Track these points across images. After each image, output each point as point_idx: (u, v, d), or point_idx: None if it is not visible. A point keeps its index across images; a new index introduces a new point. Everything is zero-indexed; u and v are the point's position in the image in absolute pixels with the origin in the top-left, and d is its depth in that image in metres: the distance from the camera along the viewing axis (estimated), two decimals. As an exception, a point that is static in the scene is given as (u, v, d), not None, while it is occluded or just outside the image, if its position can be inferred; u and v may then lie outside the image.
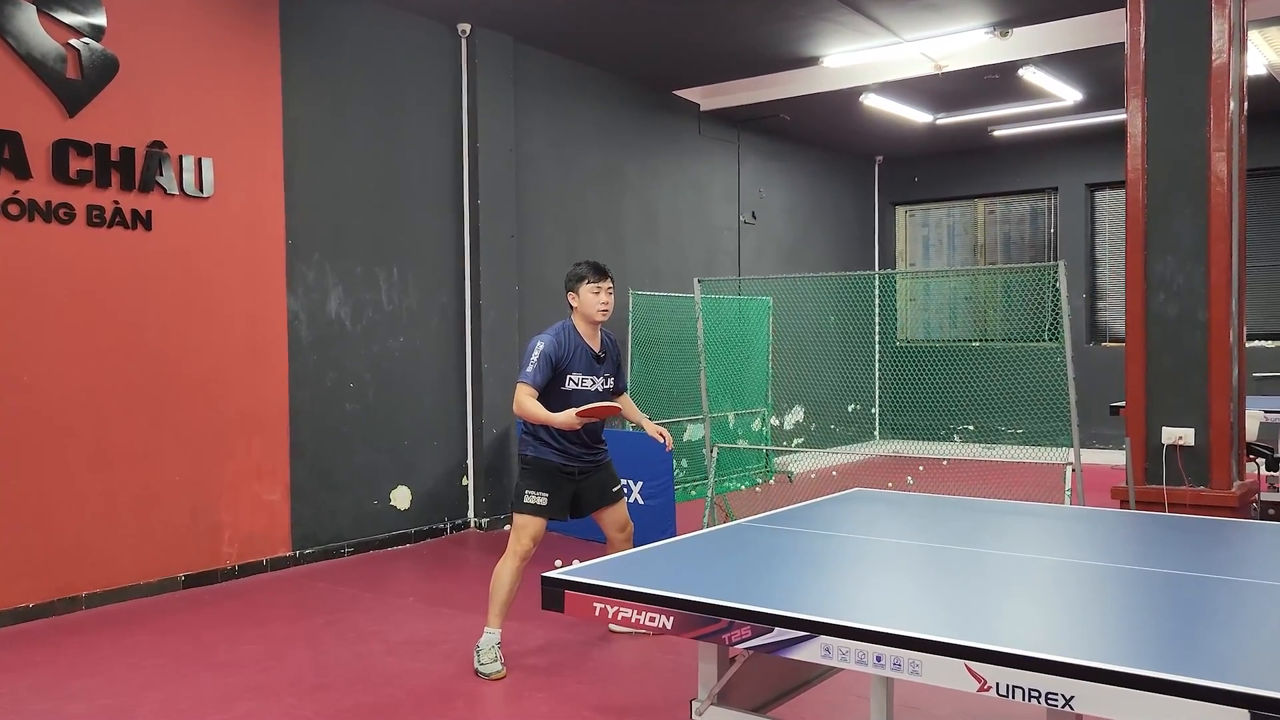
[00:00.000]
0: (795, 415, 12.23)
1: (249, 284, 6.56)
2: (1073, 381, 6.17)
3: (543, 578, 2.52)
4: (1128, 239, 5.19)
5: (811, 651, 2.09)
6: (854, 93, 9.81)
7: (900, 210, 14.12)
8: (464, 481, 7.98)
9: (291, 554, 6.78)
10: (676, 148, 10.23)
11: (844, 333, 12.72)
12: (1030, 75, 9.02)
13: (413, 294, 7.59)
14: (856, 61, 8.90)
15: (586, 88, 9.09)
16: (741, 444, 10.33)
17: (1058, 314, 12.88)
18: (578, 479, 4.77)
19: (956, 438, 13.19)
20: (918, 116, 10.62)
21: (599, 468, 4.86)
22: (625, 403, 5.07)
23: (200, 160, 6.25)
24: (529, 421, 4.58)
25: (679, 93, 10.21)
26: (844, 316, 12.42)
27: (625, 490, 5.04)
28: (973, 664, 1.91)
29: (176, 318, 6.18)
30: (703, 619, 2.24)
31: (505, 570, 4.62)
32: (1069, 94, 9.72)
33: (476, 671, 4.53)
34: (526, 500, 4.65)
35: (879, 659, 2.02)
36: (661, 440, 4.84)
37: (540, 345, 4.60)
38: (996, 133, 11.64)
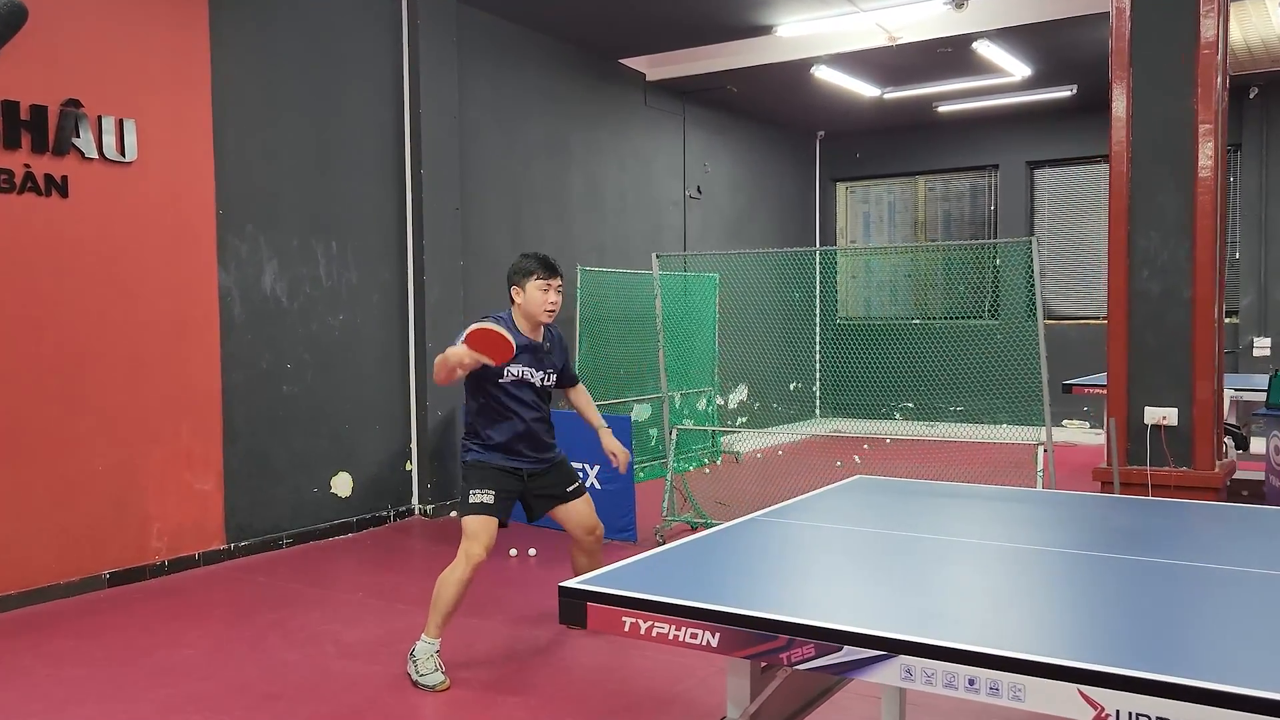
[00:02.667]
0: (739, 394, 12.05)
1: (176, 257, 6.06)
2: (1044, 360, 6.04)
3: (561, 588, 2.21)
4: (1111, 214, 5.05)
5: (888, 674, 1.83)
6: (804, 64, 9.58)
7: (841, 186, 14.00)
8: (408, 467, 7.59)
9: (226, 547, 6.33)
10: (622, 119, 9.90)
11: (787, 310, 12.59)
12: (984, 49, 8.89)
13: (353, 269, 7.15)
14: (810, 31, 8.67)
15: (531, 54, 8.69)
16: (692, 423, 10.09)
17: (998, 292, 13.01)
18: (526, 480, 4.45)
19: (897, 415, 13.18)
20: (866, 90, 10.45)
21: (551, 467, 4.52)
22: (580, 398, 4.76)
23: (121, 121, 5.73)
24: (439, 372, 4.09)
25: (625, 62, 9.86)
26: (787, 294, 12.28)
27: (586, 489, 4.69)
28: (1088, 689, 1.67)
29: (97, 293, 5.67)
30: (757, 636, 1.97)
31: (453, 578, 4.22)
32: (1019, 69, 9.64)
33: (415, 683, 4.15)
34: (472, 500, 4.28)
35: (972, 682, 1.77)
36: (614, 460, 4.61)
37: (473, 326, 4.24)
38: (941, 109, 11.55)
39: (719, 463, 10.35)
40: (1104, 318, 11.85)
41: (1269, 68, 9.95)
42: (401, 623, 5.02)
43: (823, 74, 9.66)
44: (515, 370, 4.32)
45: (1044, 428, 6.04)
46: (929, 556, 2.62)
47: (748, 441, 11.11)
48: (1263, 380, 8.17)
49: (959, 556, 2.63)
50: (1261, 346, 11.10)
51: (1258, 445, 8.01)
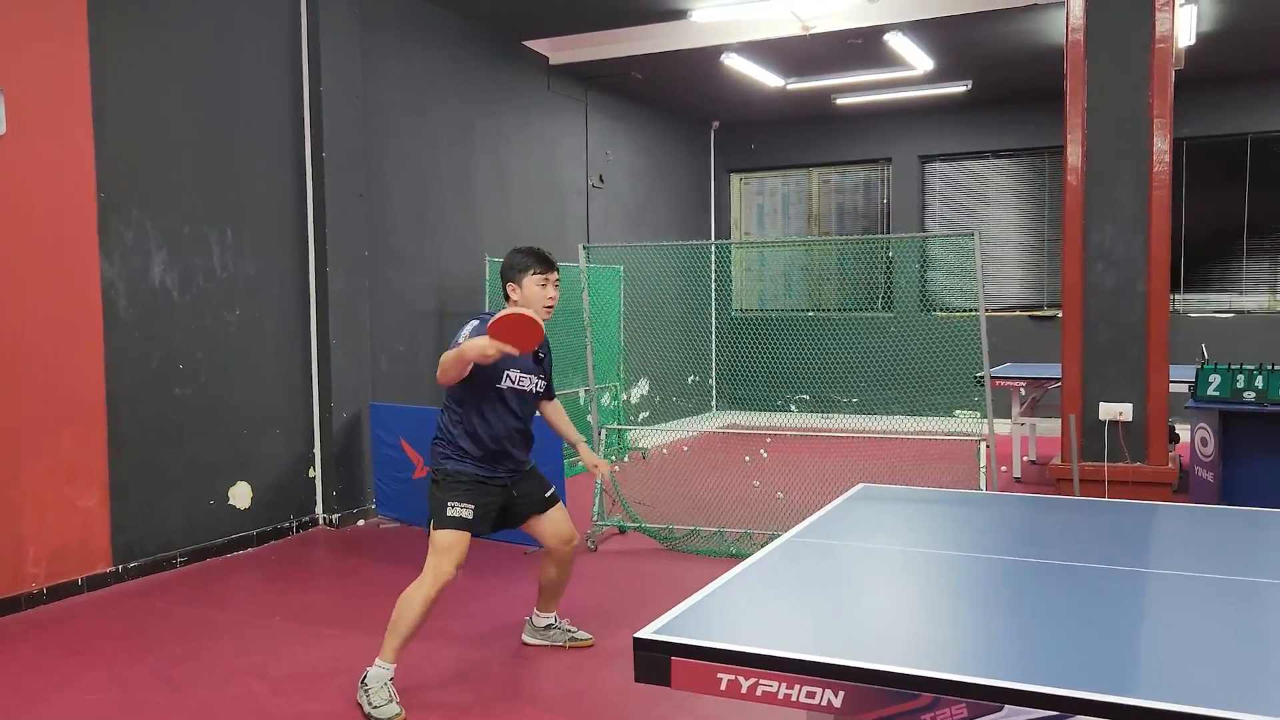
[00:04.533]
0: (641, 389, 11.80)
1: (53, 245, 5.38)
2: (986, 354, 5.98)
3: (638, 640, 1.88)
4: (1066, 208, 4.99)
5: (1063, 737, 1.58)
6: (714, 52, 9.37)
7: (736, 178, 13.89)
8: (311, 473, 7.02)
9: (113, 569, 5.68)
10: (525, 104, 9.48)
11: (684, 303, 12.40)
12: (894, 41, 8.87)
13: (249, 259, 6.55)
14: (725, 17, 8.45)
15: (436, 30, 8.19)
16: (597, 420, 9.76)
17: (891, 285, 13.15)
18: (507, 489, 4.11)
19: (793, 408, 13.18)
20: (771, 80, 10.32)
21: (527, 474, 4.22)
22: (555, 413, 4.43)
23: (-12, 90, 5.03)
24: (445, 374, 3.76)
25: (529, 44, 9.44)
26: (685, 286, 12.08)
27: (560, 495, 4.40)
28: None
29: (-39, 286, 4.97)
30: (892, 695, 1.69)
31: (418, 598, 3.85)
32: (923, 63, 9.67)
33: (367, 715, 3.77)
34: (450, 513, 3.91)
35: (1170, 746, 1.53)
36: (597, 474, 4.43)
37: (475, 324, 3.89)
38: (839, 101, 11.54)
39: (627, 459, 10.08)
40: (991, 310, 12.16)
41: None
42: (331, 649, 4.55)
43: (733, 62, 9.47)
44: (514, 375, 3.99)
45: (981, 420, 5.97)
46: (1051, 585, 2.35)
47: (652, 437, 10.87)
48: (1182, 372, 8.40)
49: (1083, 584, 2.36)
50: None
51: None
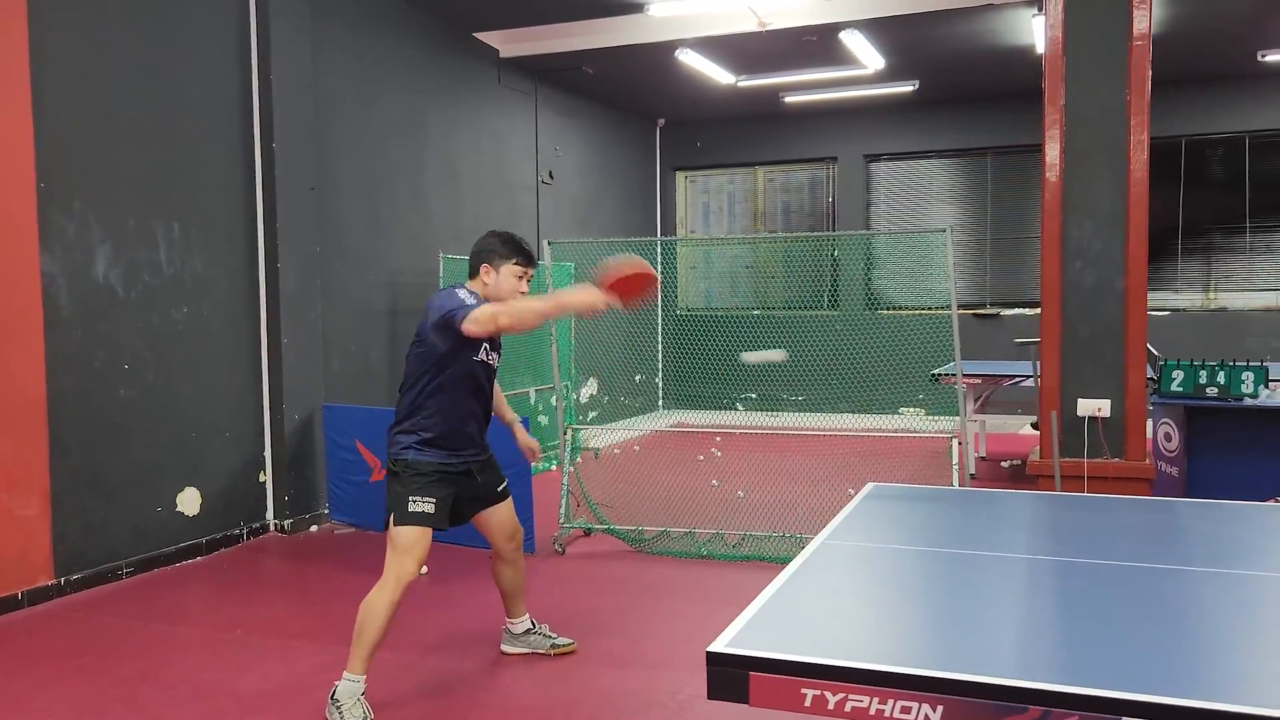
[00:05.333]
0: (590, 388, 11.65)
1: (-10, 238, 5.06)
2: (959, 352, 5.96)
3: (711, 655, 1.76)
4: (1045, 205, 4.99)
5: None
6: (668, 47, 9.27)
7: (681, 175, 13.82)
8: (261, 478, 6.74)
9: (55, 582, 5.36)
10: (475, 97, 9.26)
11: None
12: (849, 38, 8.87)
13: (198, 254, 6.25)
14: (682, 12, 8.35)
15: (386, 20, 7.94)
16: (546, 420, 9.59)
17: (836, 282, 13.21)
18: (462, 480, 3.93)
19: (739, 406, 13.15)
20: (723, 77, 10.26)
21: (486, 463, 4.06)
22: (496, 391, 4.27)
23: (-81, 71, 4.69)
24: (522, 323, 3.58)
25: (479, 36, 9.23)
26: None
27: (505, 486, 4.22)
28: None
29: (-109, 281, 4.62)
30: (997, 708, 1.59)
31: (381, 602, 3.70)
32: (874, 62, 9.70)
33: None
34: (412, 508, 3.76)
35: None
36: (530, 456, 4.35)
37: (465, 295, 3.74)
38: (788, 99, 11.54)
39: (579, 460, 9.92)
40: (939, 308, 12.29)
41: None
42: (302, 663, 4.33)
43: (687, 58, 9.38)
44: (485, 348, 3.85)
45: (936, 418, 5.96)
46: (1128, 587, 2.27)
47: (603, 437, 10.73)
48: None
49: (1172, 587, 2.28)
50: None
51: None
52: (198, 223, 6.23)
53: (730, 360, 11.25)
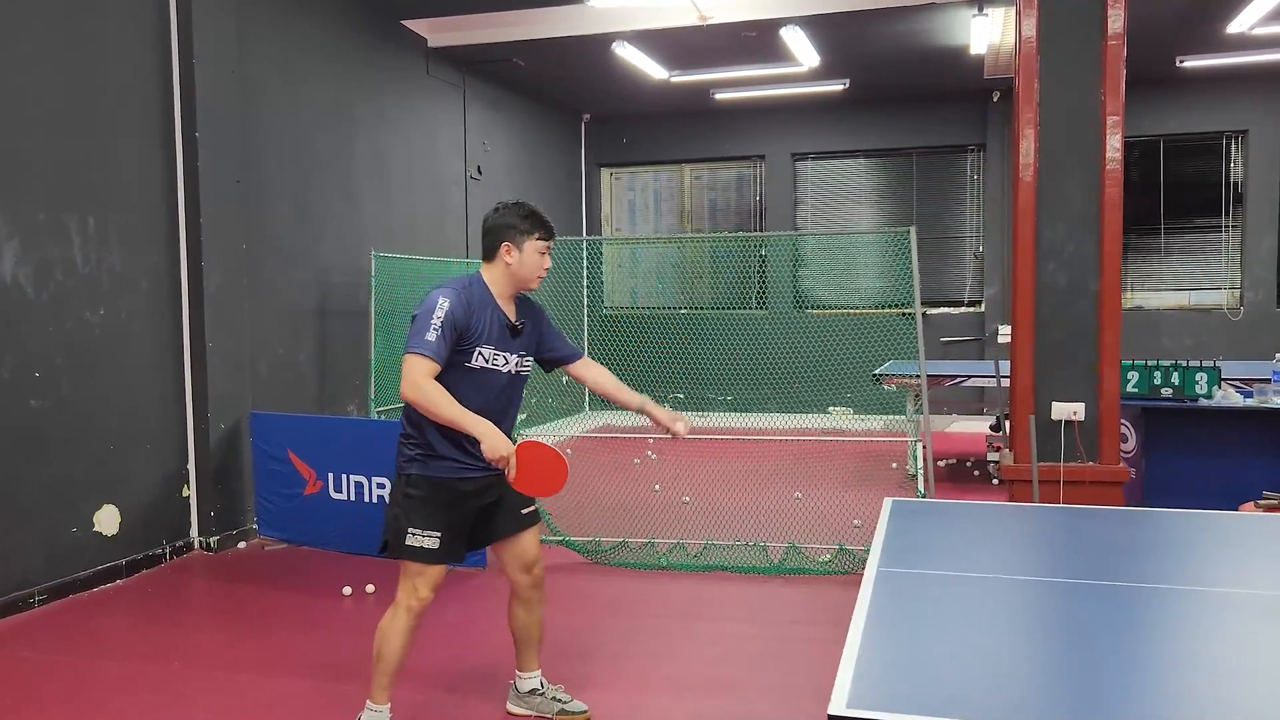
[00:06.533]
0: (518, 389, 11.32)
1: (-117, 233, 4.53)
2: (922, 351, 5.88)
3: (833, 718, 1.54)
4: (1018, 205, 4.92)
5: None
6: (603, 40, 9.02)
7: (606, 172, 13.58)
8: (185, 492, 6.27)
9: (-39, 613, 4.86)
10: (404, 88, 8.86)
11: (555, 300, 11.99)
12: (789, 35, 8.75)
13: (115, 251, 5.76)
14: (621, 4, 8.11)
15: (312, 3, 7.50)
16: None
17: (765, 282, 13.14)
18: (482, 495, 3.46)
19: (667, 406, 12.97)
20: (657, 72, 10.06)
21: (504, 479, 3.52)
22: (594, 373, 3.79)
23: None
24: (427, 415, 3.23)
25: (407, 23, 8.84)
26: (556, 283, 11.68)
27: (534, 510, 3.69)
28: None
29: None
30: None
31: (395, 629, 3.40)
32: (810, 59, 9.61)
33: None
34: (411, 542, 3.35)
35: None
36: (675, 433, 3.67)
37: (444, 302, 3.27)
38: (719, 96, 11.40)
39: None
40: (863, 309, 12.34)
41: (1007, 73, 10.61)
42: (254, 698, 3.96)
43: (624, 52, 9.15)
44: (485, 353, 3.37)
45: (916, 419, 5.87)
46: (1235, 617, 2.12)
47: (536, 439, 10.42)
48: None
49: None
50: (1005, 334, 11.90)
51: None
52: (115, 216, 5.74)
53: (657, 360, 11.11)
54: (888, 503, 3.15)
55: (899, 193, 12.40)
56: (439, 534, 3.37)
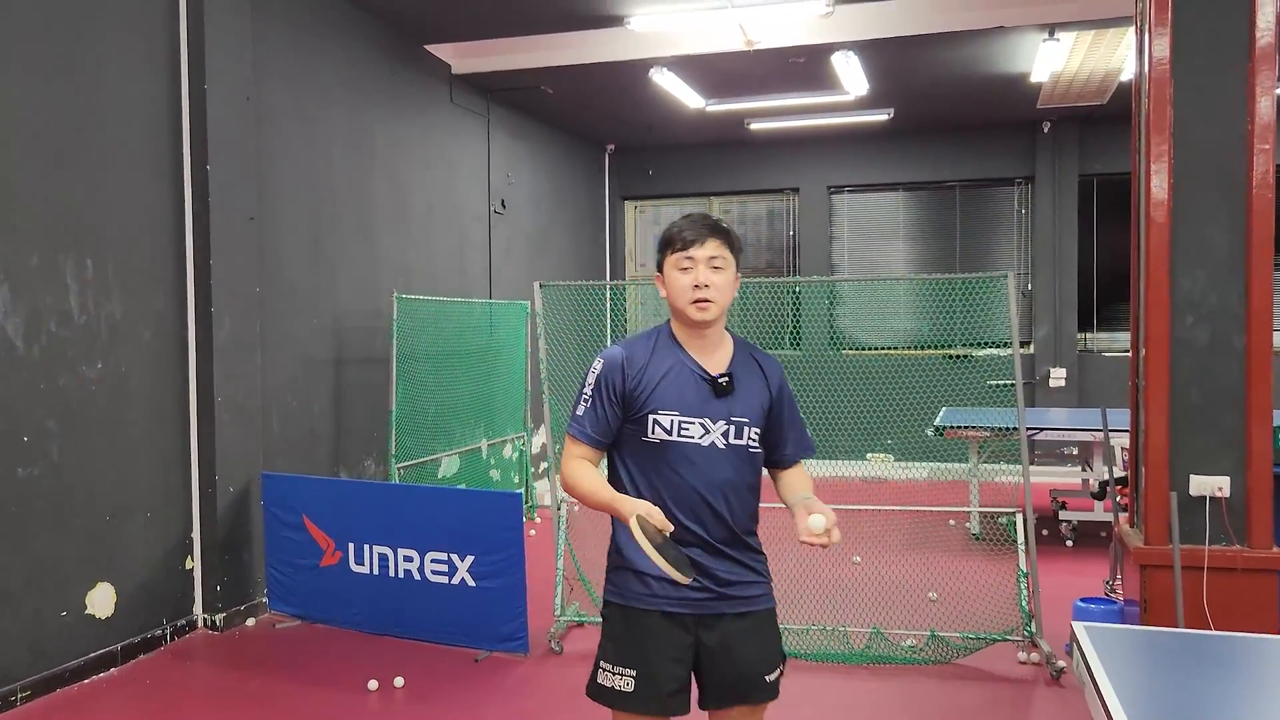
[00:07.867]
0: (541, 437, 10.66)
1: None
2: (1021, 401, 5.23)
3: None
4: (1148, 251, 4.28)
5: None
6: (640, 66, 8.45)
7: (630, 205, 13.00)
8: (188, 564, 5.61)
9: (-71, 720, 4.19)
10: (426, 117, 8.28)
11: (580, 340, 11.37)
12: (840, 61, 8.18)
13: (115, 297, 5.13)
14: (664, 27, 7.54)
15: (332, 21, 6.92)
16: (499, 474, 8.63)
17: (799, 321, 12.50)
18: (701, 628, 2.60)
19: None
20: (693, 100, 9.48)
21: (747, 614, 2.63)
22: (796, 482, 2.74)
23: None
24: (578, 496, 2.56)
25: (431, 48, 8.27)
26: (581, 323, 11.07)
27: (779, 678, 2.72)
28: None
29: None
30: None
31: None
32: (859, 87, 9.04)
33: None
34: (600, 680, 2.62)
35: None
36: (819, 541, 2.50)
37: (598, 362, 2.61)
38: (754, 126, 10.82)
39: (537, 520, 8.95)
40: (900, 348, 11.70)
41: (1061, 103, 10.04)
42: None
43: (662, 79, 8.57)
44: (666, 421, 2.54)
45: (1019, 480, 5.20)
46: None
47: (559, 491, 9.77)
48: (1085, 414, 7.93)
49: None
50: (1057, 377, 11.27)
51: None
52: (116, 259, 5.12)
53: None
54: (1081, 631, 2.49)
55: (941, 227, 11.80)
56: (633, 675, 2.56)
